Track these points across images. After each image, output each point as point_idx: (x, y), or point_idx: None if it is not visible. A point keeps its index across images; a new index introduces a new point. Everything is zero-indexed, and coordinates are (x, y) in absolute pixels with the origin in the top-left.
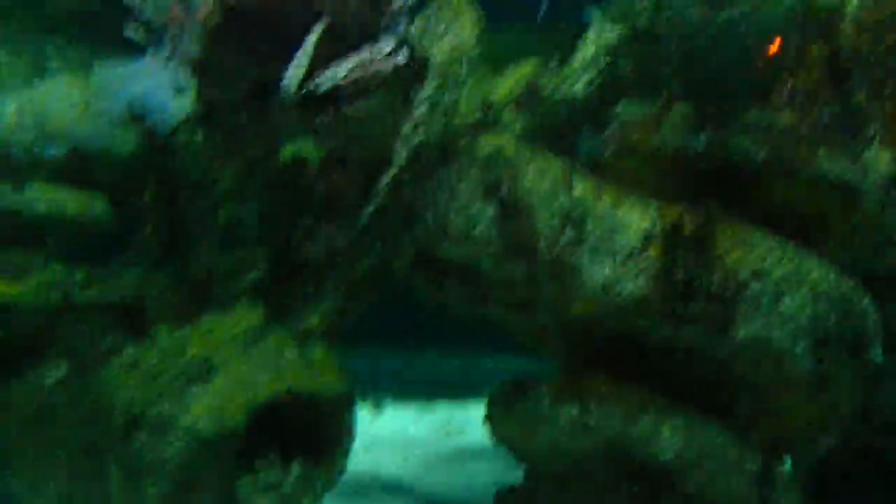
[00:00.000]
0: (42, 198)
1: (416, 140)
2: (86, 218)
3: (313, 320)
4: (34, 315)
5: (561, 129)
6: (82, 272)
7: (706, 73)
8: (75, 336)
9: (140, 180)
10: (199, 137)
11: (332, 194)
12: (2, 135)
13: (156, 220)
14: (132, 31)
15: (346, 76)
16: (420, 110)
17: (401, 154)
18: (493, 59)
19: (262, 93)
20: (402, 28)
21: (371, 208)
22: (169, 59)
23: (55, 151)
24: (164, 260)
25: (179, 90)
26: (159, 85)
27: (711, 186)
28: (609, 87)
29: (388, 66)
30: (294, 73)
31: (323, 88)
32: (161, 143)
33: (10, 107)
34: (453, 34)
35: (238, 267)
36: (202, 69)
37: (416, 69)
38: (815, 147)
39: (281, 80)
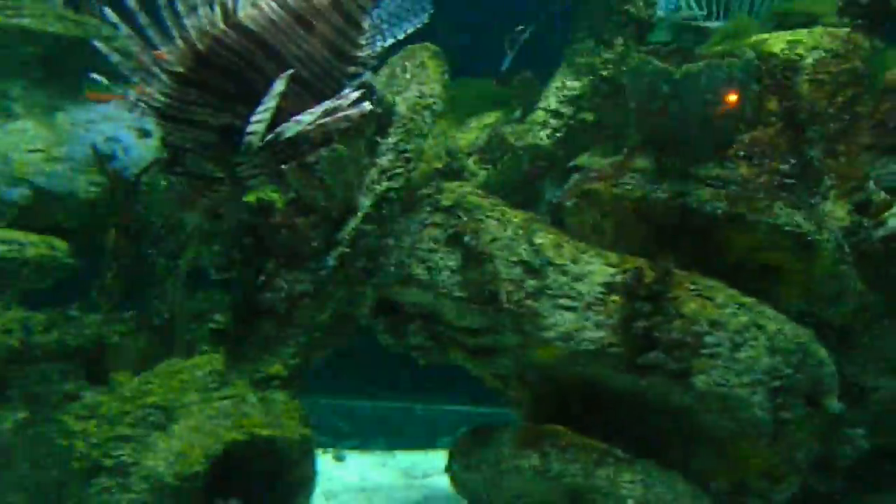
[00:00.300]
0: (2, 242)
1: (381, 188)
2: (46, 261)
3: (275, 367)
4: None
5: (524, 178)
6: (42, 316)
7: (666, 125)
8: (34, 380)
9: (103, 224)
10: (163, 182)
11: (295, 240)
12: None
13: (118, 265)
14: (99, 77)
15: (310, 123)
16: (385, 158)
17: (365, 202)
18: (456, 108)
19: (227, 139)
20: (367, 76)
21: (335, 255)
22: (135, 104)
23: (18, 194)
24: (125, 304)
25: (144, 134)
26: (124, 129)
27: (671, 237)
28: (572, 137)
29: (353, 113)
30: (259, 119)
31: (287, 135)
32: (125, 187)
33: None
34: (418, 84)
35: (200, 312)
36: (168, 116)
37: (382, 118)
38: (773, 199)
39: (246, 126)
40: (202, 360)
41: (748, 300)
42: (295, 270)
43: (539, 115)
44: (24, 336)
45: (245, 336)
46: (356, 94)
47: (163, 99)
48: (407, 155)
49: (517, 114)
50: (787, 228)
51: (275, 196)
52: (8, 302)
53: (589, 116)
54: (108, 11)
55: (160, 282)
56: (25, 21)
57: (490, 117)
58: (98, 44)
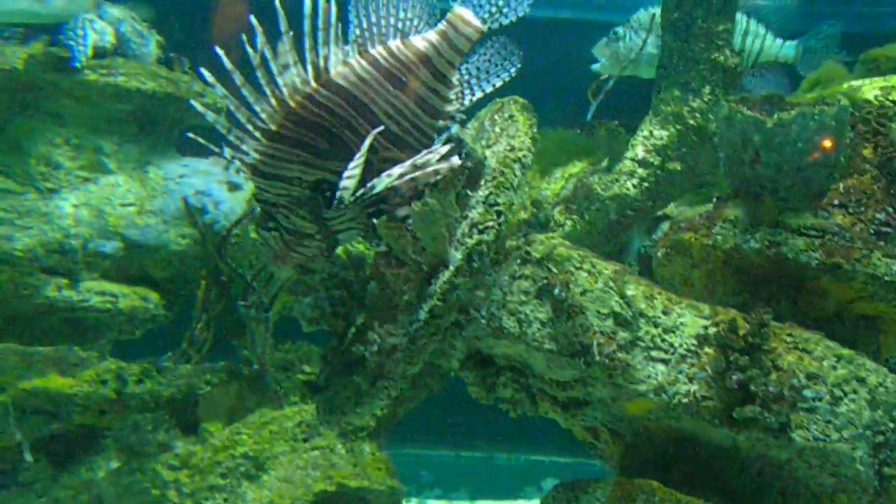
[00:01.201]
0: (96, 293)
1: (472, 241)
2: (139, 312)
3: (364, 419)
4: (88, 409)
5: (611, 228)
6: (136, 367)
7: (758, 174)
8: (128, 430)
9: (193, 276)
10: (253, 235)
11: (385, 293)
12: (60, 231)
13: (207, 316)
14: (195, 135)
15: (400, 178)
16: (475, 212)
17: (456, 256)
18: (539, 157)
19: (319, 195)
20: (454, 130)
21: (426, 308)
22: (229, 162)
23: (111, 247)
24: (214, 355)
25: (234, 187)
26: (214, 182)
27: (764, 288)
28: (659, 187)
29: (442, 167)
30: (350, 175)
31: (377, 190)
32: (215, 240)
33: (69, 204)
34: (508, 137)
35: (288, 363)
36: (261, 172)
37: (471, 171)
38: (870, 249)
39: (337, 182)
40: (291, 410)
41: (847, 352)
42: (387, 324)
43: (626, 164)
44: (119, 386)
45: (336, 388)
46: (445, 149)
47: (256, 156)
48: (498, 208)
49: (604, 164)
50: (886, 279)
51: (364, 249)
52: (102, 353)
53: (676, 166)
54: (204, 72)
55: (249, 333)
56: (119, 79)
57: (575, 167)
58: (195, 103)
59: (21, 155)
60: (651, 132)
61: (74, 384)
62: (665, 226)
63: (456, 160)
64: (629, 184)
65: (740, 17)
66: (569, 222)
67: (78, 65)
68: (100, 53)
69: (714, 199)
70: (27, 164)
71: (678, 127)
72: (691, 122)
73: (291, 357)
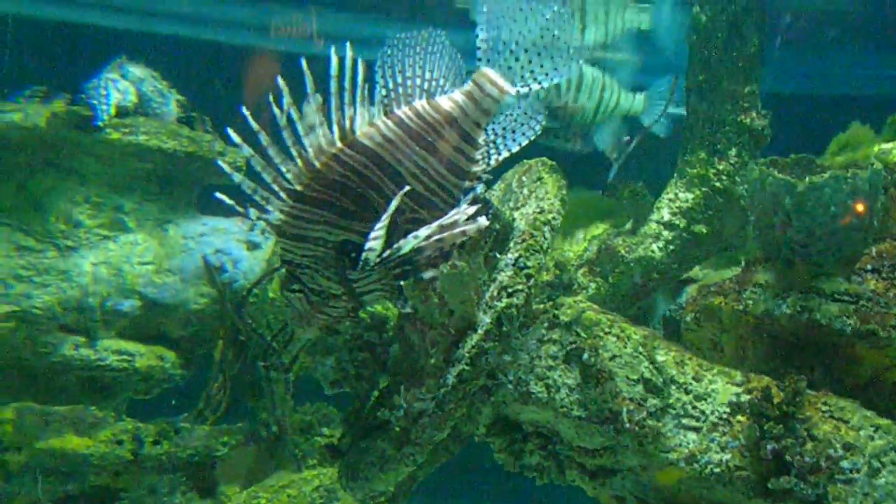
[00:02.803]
0: (113, 352)
1: (501, 305)
2: (156, 372)
3: (385, 485)
4: (103, 469)
5: (635, 291)
6: (153, 427)
7: (789, 238)
8: (144, 492)
9: (211, 335)
10: (271, 294)
11: (411, 357)
12: (79, 289)
13: (224, 376)
14: (223, 196)
15: (427, 239)
16: (504, 275)
17: (485, 319)
18: (563, 218)
19: (344, 256)
20: (479, 190)
21: (454, 373)
22: (254, 223)
23: (128, 306)
24: (231, 416)
25: (253, 246)
26: (233, 241)
27: (796, 355)
28: (684, 250)
29: (469, 228)
30: (376, 236)
31: (404, 251)
32: (234, 299)
33: (88, 262)
34: (537, 200)
35: (307, 425)
36: (286, 233)
37: (499, 233)
38: None
39: (363, 243)
40: (310, 474)
41: (884, 422)
42: (413, 388)
43: (651, 227)
44: (135, 447)
45: (360, 453)
46: (472, 209)
47: (281, 216)
48: (528, 272)
49: (627, 226)
50: None
51: (382, 310)
52: (118, 412)
53: (702, 229)
54: (231, 132)
55: (268, 394)
56: (141, 138)
57: (598, 229)
58: (222, 163)
59: (41, 212)
60: (676, 195)
61: (91, 444)
62: (691, 289)
63: (483, 220)
64: (654, 246)
65: (597, 73)
66: (593, 285)
67: (100, 123)
68: (122, 112)
69: (742, 263)
70: (47, 221)
71: (704, 189)
72: (717, 184)
73: (310, 419)
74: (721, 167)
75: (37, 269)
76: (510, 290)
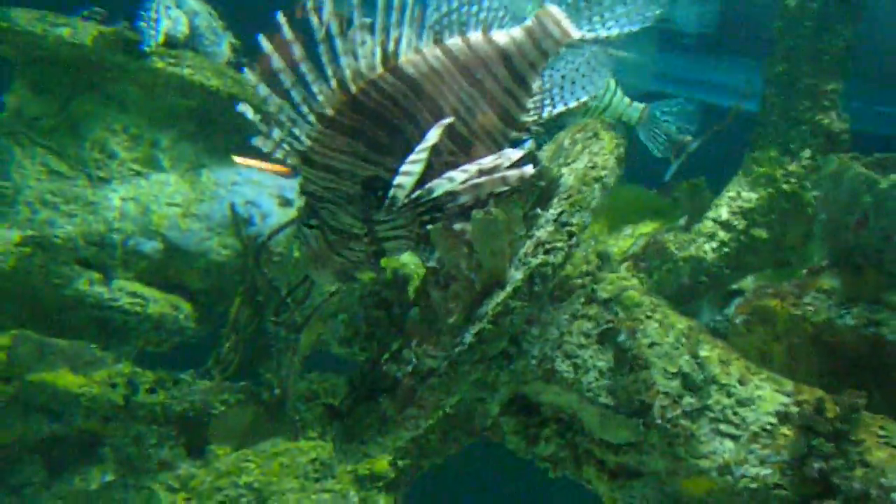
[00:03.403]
0: (127, 293)
1: (536, 262)
2: (168, 322)
3: (383, 463)
4: (92, 412)
5: (681, 293)
6: (151, 374)
7: (863, 241)
8: (129, 442)
9: (230, 292)
10: (297, 253)
11: (430, 312)
12: (104, 223)
13: (237, 337)
14: (247, 108)
15: (464, 182)
16: (544, 231)
17: (516, 275)
18: (609, 214)
19: (371, 193)
20: (529, 145)
21: (474, 331)
22: (278, 145)
23: (150, 247)
24: (240, 376)
25: (285, 202)
26: (265, 195)
27: (854, 374)
28: (740, 255)
29: (512, 175)
30: (408, 171)
31: (437, 193)
32: (256, 255)
33: (118, 196)
34: (590, 154)
35: (313, 393)
36: (311, 161)
37: (543, 191)
38: None
39: (393, 180)
40: (308, 445)
41: None
42: (426, 343)
43: (707, 225)
44: (129, 393)
45: (360, 416)
46: (518, 153)
47: (307, 141)
48: (570, 229)
49: (681, 221)
50: None
51: (412, 271)
52: (120, 356)
53: (762, 233)
54: (262, 39)
55: (276, 354)
56: (185, 71)
57: (647, 227)
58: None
59: (78, 137)
60: (739, 193)
61: (84, 383)
62: (739, 300)
63: (529, 169)
64: (707, 246)
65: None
66: (635, 281)
67: (147, 49)
68: (171, 42)
69: (803, 272)
70: (83, 147)
71: (770, 190)
72: (785, 186)
73: (317, 388)
74: (791, 168)
75: (65, 197)
76: (548, 247)
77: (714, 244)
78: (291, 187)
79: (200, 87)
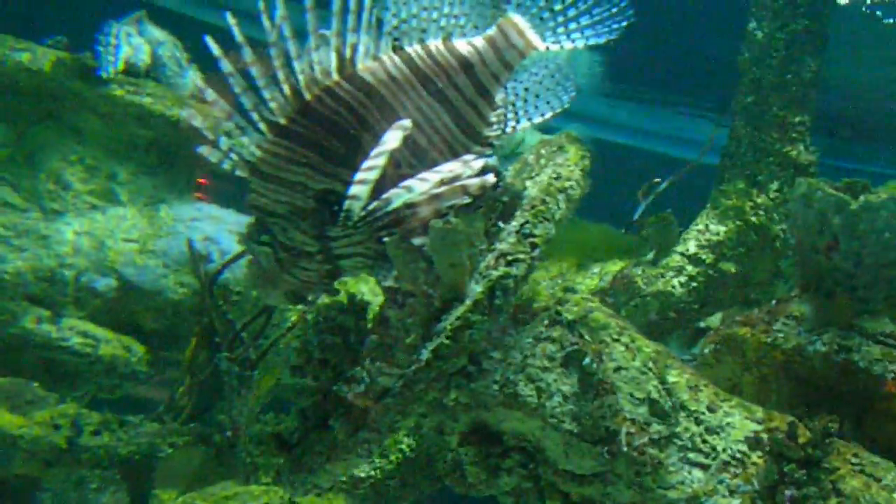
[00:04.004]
0: (78, 333)
1: (497, 274)
2: (119, 364)
3: (331, 479)
4: (33, 456)
5: (649, 329)
6: (97, 416)
7: (834, 265)
8: (70, 486)
9: (186, 334)
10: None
11: (389, 339)
12: (56, 258)
13: (192, 380)
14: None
15: (424, 192)
16: (506, 243)
17: (476, 288)
18: (577, 251)
19: (324, 207)
20: (492, 161)
21: (431, 347)
22: (225, 155)
23: (104, 285)
24: (193, 419)
25: None
26: (225, 231)
27: (826, 403)
28: (708, 290)
29: (473, 184)
30: (363, 180)
31: (394, 205)
32: (212, 291)
33: (71, 230)
34: (555, 166)
35: (267, 436)
36: (260, 172)
37: (506, 206)
38: None
39: (346, 193)
40: (258, 489)
41: None
42: (380, 361)
43: (675, 259)
44: (72, 435)
45: (310, 444)
46: (480, 162)
47: (257, 152)
48: (533, 240)
49: (649, 256)
50: None
51: (371, 298)
52: (64, 396)
53: (731, 267)
54: (210, 40)
55: (228, 392)
56: (146, 100)
57: (615, 266)
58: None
59: (33, 168)
60: (707, 226)
61: (24, 424)
62: (716, 318)
63: (491, 178)
64: (675, 281)
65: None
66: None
67: (104, 74)
68: (132, 71)
69: (772, 302)
70: (37, 179)
71: (738, 223)
72: (753, 219)
73: (271, 430)
74: (759, 201)
75: (16, 230)
76: (510, 258)
77: (682, 278)
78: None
79: (161, 117)
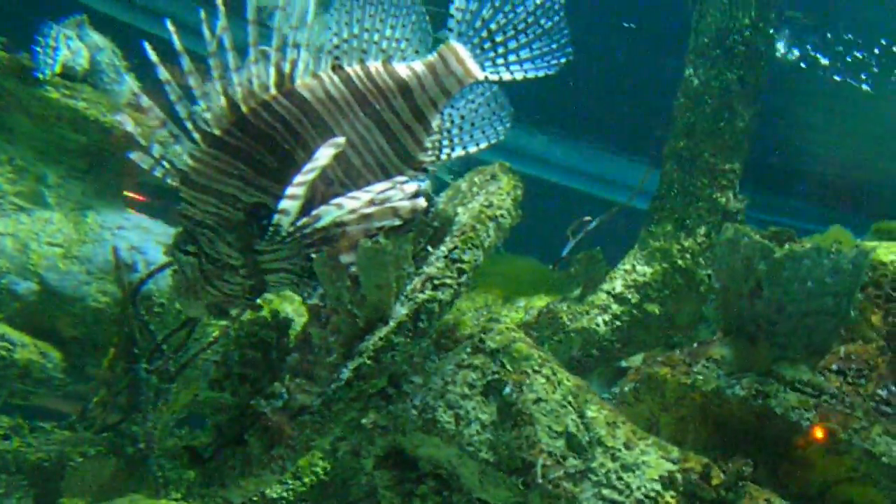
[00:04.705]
0: None
1: (423, 297)
2: (35, 369)
3: (243, 494)
4: None
5: (571, 366)
6: (7, 420)
7: (756, 311)
8: None
9: (105, 344)
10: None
11: (308, 347)
12: None
13: (107, 391)
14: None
15: (354, 210)
16: (433, 267)
17: (401, 310)
18: (503, 284)
19: (253, 221)
20: (425, 186)
21: (352, 366)
22: (157, 163)
23: (24, 288)
24: (106, 430)
25: None
26: (152, 242)
27: (742, 449)
28: (631, 330)
29: (404, 206)
30: (293, 195)
31: (323, 222)
32: (135, 300)
33: None
34: (487, 194)
35: (180, 449)
36: (191, 182)
37: (436, 232)
38: (871, 421)
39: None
40: None
41: None
42: (300, 377)
43: (601, 297)
44: None
45: (224, 458)
46: (413, 186)
47: (189, 161)
48: (461, 266)
49: (576, 292)
50: (884, 459)
51: (293, 317)
52: None
53: (655, 309)
54: (147, 48)
55: (144, 404)
56: (80, 104)
57: (541, 301)
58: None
59: None
60: (634, 266)
61: None
62: (636, 359)
63: (422, 201)
64: (600, 319)
65: None
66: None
67: (41, 76)
68: (69, 74)
69: (693, 345)
70: None
71: (664, 265)
72: (680, 262)
73: (185, 444)
74: (687, 244)
75: None
76: (437, 283)
77: (607, 317)
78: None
79: (95, 123)
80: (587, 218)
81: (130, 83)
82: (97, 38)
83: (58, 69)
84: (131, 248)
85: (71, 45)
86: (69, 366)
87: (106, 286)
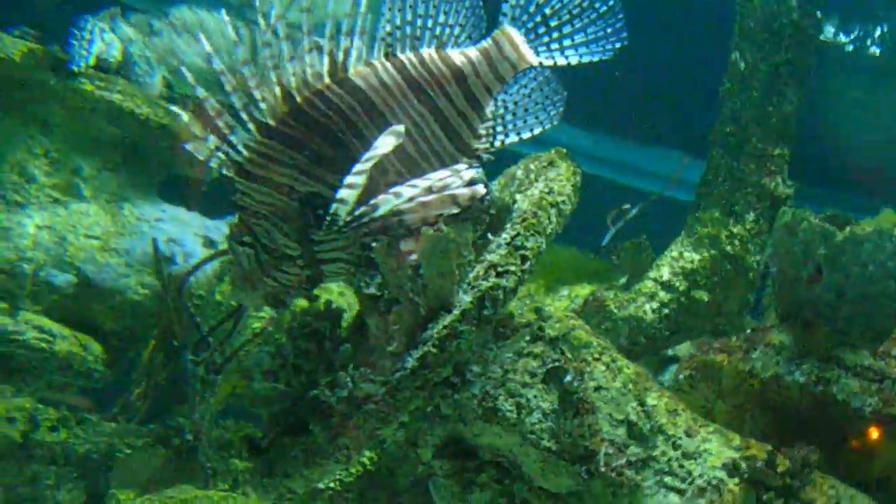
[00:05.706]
0: (33, 327)
1: (487, 285)
2: (75, 361)
3: (306, 483)
4: None
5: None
6: (53, 411)
7: (815, 296)
8: (24, 481)
9: (145, 336)
10: (219, 296)
11: (364, 337)
12: (15, 251)
13: (147, 383)
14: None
15: (412, 199)
16: (496, 254)
17: (465, 298)
18: (545, 274)
19: (309, 211)
20: (479, 173)
21: (417, 355)
22: (213, 153)
23: (63, 280)
24: (150, 419)
25: (209, 243)
26: (190, 234)
27: (801, 436)
28: (680, 318)
29: (464, 195)
30: (351, 184)
31: (380, 211)
32: (177, 292)
33: (33, 223)
34: (546, 181)
35: (228, 442)
36: (247, 173)
37: (493, 219)
38: None
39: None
40: (217, 495)
41: None
42: (364, 366)
43: (647, 285)
44: (28, 429)
45: (283, 448)
46: (470, 173)
47: (245, 152)
48: (524, 252)
49: (622, 280)
50: None
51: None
52: (20, 389)
53: (703, 296)
54: (202, 38)
55: (191, 396)
56: (115, 96)
57: (584, 289)
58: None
59: None
60: (681, 253)
61: None
62: (689, 345)
63: (481, 188)
64: (647, 307)
65: None
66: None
67: (75, 68)
68: (102, 66)
69: (746, 332)
70: (1, 169)
71: (713, 252)
72: (728, 248)
73: (231, 437)
74: (735, 230)
75: None
76: (500, 269)
77: (654, 304)
78: (217, 228)
79: (130, 115)
80: (626, 206)
81: (162, 77)
82: (129, 30)
83: (92, 61)
84: (169, 240)
85: (105, 38)
86: (110, 358)
87: (145, 278)
